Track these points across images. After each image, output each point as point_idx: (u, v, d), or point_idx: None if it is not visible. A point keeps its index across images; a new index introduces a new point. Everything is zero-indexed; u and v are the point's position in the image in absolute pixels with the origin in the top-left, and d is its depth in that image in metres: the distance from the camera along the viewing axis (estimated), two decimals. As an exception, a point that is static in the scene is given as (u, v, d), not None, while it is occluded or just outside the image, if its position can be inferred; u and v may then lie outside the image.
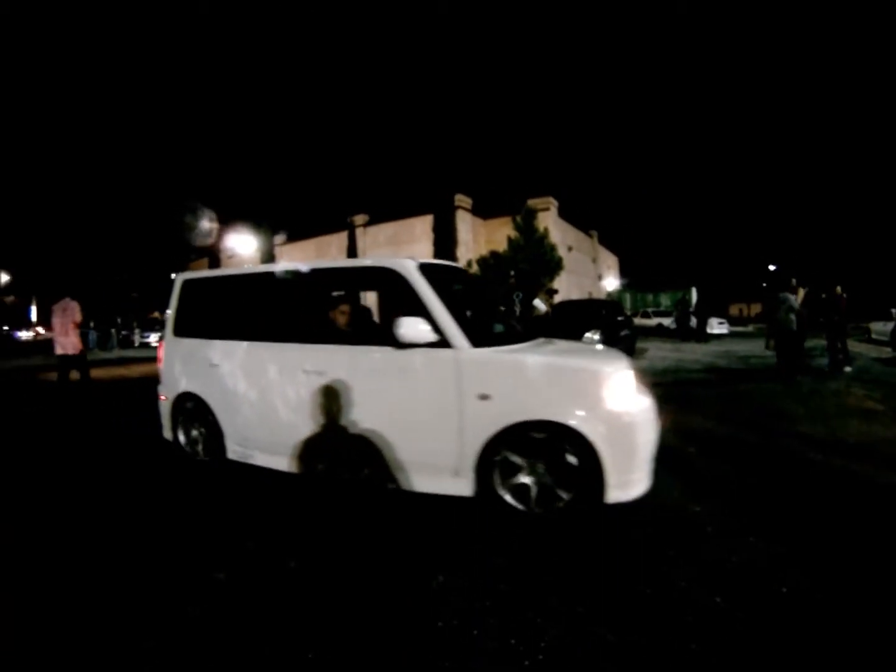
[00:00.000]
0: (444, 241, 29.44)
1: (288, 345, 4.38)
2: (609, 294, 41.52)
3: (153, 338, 32.00)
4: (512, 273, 9.22)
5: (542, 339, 4.45)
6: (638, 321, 27.71)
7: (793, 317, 9.65)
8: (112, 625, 2.44)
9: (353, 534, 3.41)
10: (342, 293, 4.74)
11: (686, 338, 20.45)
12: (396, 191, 31.76)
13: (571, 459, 3.30)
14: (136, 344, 30.47)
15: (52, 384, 10.31)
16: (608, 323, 12.60)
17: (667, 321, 26.72)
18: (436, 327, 3.62)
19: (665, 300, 38.87)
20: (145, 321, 39.68)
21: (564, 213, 36.09)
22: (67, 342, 8.74)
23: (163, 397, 5.40)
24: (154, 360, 20.37)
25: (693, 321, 21.42)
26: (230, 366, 4.73)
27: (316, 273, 4.51)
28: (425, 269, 3.94)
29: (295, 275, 4.57)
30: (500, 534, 3.31)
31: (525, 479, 3.45)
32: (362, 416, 3.91)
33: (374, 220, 33.96)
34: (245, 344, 4.69)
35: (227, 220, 37.44)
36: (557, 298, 23.81)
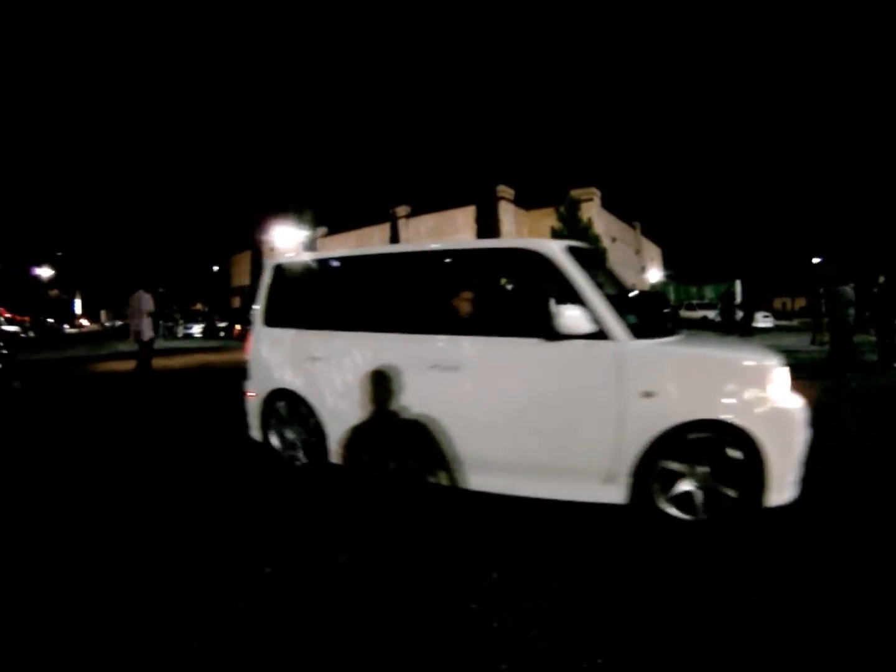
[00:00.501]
0: (487, 233, 29.09)
1: (409, 336, 3.90)
2: (653, 286, 40.92)
3: (196, 329, 32.70)
4: None
5: (684, 331, 4.05)
6: (682, 314, 27.30)
7: (851, 311, 9.25)
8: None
9: (490, 551, 3.00)
10: (476, 278, 4.20)
11: (731, 331, 19.92)
12: (438, 182, 31.55)
13: (734, 459, 3.04)
14: (180, 335, 31.19)
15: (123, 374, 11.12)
16: (653, 315, 12.30)
17: (711, 314, 26.23)
18: (592, 317, 3.23)
19: (709, 292, 38.16)
20: (188, 313, 40.46)
21: (607, 204, 35.60)
22: (142, 329, 9.79)
23: (251, 394, 4.90)
24: (198, 350, 21.12)
25: (738, 314, 20.95)
26: (337, 360, 4.24)
27: (441, 255, 4.14)
28: (573, 251, 3.55)
29: (415, 257, 4.22)
30: (664, 544, 3.00)
31: (685, 484, 3.16)
32: (502, 416, 3.54)
33: (416, 212, 33.88)
34: (354, 335, 4.22)
35: (270, 212, 37.72)
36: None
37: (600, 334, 3.25)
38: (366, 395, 4.05)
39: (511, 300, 4.24)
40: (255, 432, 4.90)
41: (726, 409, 3.06)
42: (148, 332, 9.90)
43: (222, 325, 34.52)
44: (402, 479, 4.01)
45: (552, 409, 3.41)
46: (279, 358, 4.75)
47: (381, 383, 3.96)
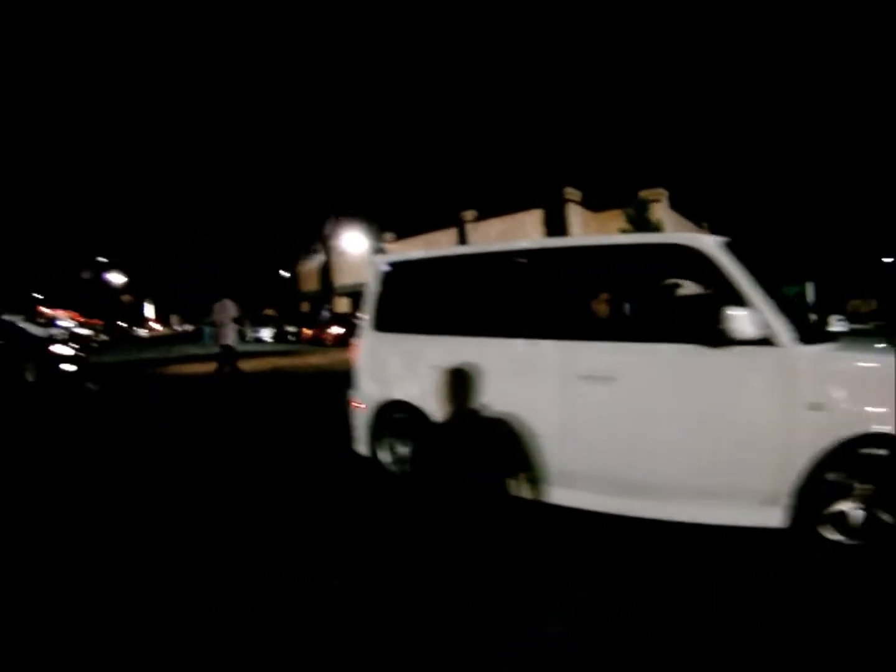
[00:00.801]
0: (555, 236, 29.13)
1: (551, 342, 3.54)
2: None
3: (265, 333, 33.76)
4: None
5: (843, 336, 3.76)
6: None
7: None
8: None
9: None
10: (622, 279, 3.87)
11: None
12: (505, 185, 31.58)
13: None
14: (249, 339, 32.33)
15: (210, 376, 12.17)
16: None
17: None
18: (758, 320, 2.97)
19: (780, 295, 36.98)
20: (257, 317, 41.77)
21: (675, 204, 34.93)
22: (227, 333, 10.73)
23: (360, 405, 4.57)
24: (269, 354, 21.78)
25: (812, 318, 20.21)
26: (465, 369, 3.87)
27: (584, 251, 3.80)
28: (732, 248, 3.28)
29: (553, 254, 3.85)
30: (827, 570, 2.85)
31: (844, 505, 2.88)
32: (660, 433, 3.23)
33: (483, 216, 33.97)
34: (484, 341, 3.86)
35: (338, 217, 38.58)
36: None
37: (766, 340, 3.00)
38: (499, 409, 3.74)
39: (666, 301, 3.83)
40: (362, 446, 4.61)
41: None
42: (231, 337, 10.81)
43: (291, 329, 35.57)
44: (537, 504, 3.69)
45: (713, 424, 3.14)
46: (394, 366, 4.45)
47: (518, 395, 3.68)
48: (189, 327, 64.51)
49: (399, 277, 4.61)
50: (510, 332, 3.82)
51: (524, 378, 3.71)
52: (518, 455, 3.68)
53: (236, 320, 11.00)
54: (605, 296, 3.80)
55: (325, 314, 36.31)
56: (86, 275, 55.39)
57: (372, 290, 4.68)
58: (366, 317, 4.68)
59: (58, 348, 12.97)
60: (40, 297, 47.87)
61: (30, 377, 12.03)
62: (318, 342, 29.73)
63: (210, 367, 13.22)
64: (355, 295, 42.81)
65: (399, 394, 4.32)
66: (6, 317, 18.50)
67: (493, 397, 3.77)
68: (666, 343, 3.28)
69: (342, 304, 43.45)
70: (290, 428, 7.31)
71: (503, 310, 4.00)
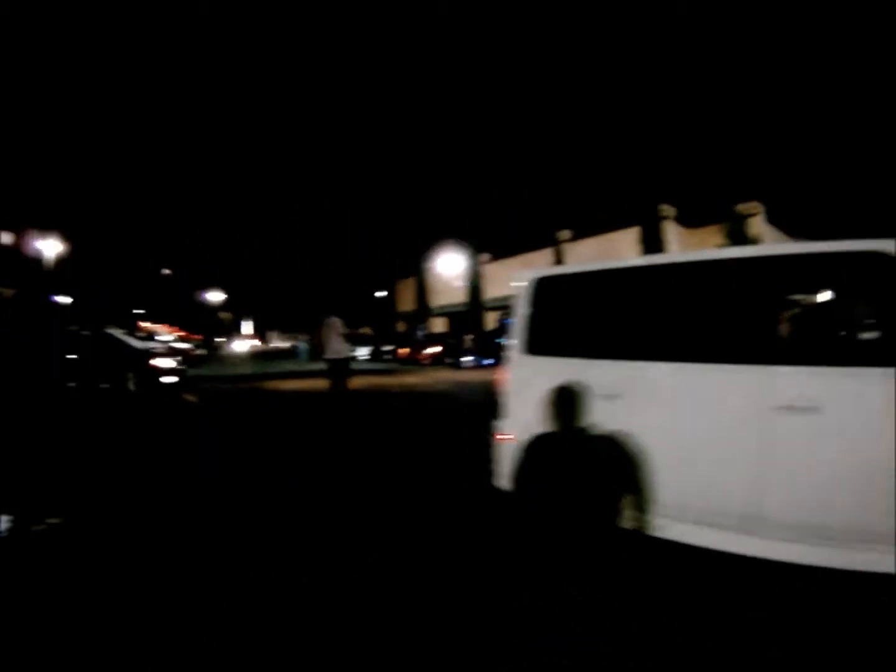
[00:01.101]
0: (652, 254, 29.28)
1: (739, 367, 3.20)
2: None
3: (361, 352, 35.06)
4: None
5: None
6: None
7: None
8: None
9: None
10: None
11: None
12: (600, 204, 31.85)
13: None
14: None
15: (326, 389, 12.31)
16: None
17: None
18: None
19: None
20: (354, 336, 43.54)
21: (772, 218, 34.35)
22: (337, 349, 11.26)
23: (508, 436, 4.14)
24: (367, 373, 22.17)
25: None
26: (633, 398, 3.52)
27: (772, 262, 3.35)
28: None
29: (738, 265, 3.42)
30: None
31: None
32: (863, 471, 2.83)
33: (578, 236, 34.34)
34: (663, 366, 3.48)
35: (435, 239, 39.92)
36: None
37: None
38: (674, 442, 3.39)
39: (865, 319, 3.24)
40: (506, 481, 4.16)
41: None
42: (339, 352, 11.34)
43: (387, 348, 36.89)
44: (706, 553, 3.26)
45: None
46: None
47: (695, 427, 3.34)
48: (287, 344, 66.93)
49: (553, 294, 4.21)
50: (691, 355, 3.43)
51: (720, 406, 3.28)
52: (706, 497, 3.30)
53: (346, 337, 11.59)
54: (804, 312, 3.44)
55: (420, 334, 37.56)
56: (198, 295, 58.66)
57: (522, 308, 4.25)
58: (514, 339, 4.24)
59: (159, 361, 13.87)
60: (141, 311, 50.84)
61: (131, 386, 12.95)
62: (414, 362, 30.42)
63: (305, 383, 14.51)
64: (451, 315, 44.05)
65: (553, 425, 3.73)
66: (109, 330, 20.04)
67: (682, 430, 3.40)
68: (876, 367, 2.86)
69: (438, 325, 44.71)
70: (409, 452, 7.08)
71: (682, 329, 3.58)
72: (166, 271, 54.43)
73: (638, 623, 2.78)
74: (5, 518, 4.55)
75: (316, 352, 35.55)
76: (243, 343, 55.38)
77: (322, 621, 2.88)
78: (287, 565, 3.59)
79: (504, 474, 4.17)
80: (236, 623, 2.86)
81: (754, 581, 3.14)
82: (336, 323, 11.39)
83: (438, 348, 29.37)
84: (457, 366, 26.21)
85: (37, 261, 32.62)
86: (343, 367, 11.53)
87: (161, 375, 13.65)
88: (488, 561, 3.62)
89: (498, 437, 4.27)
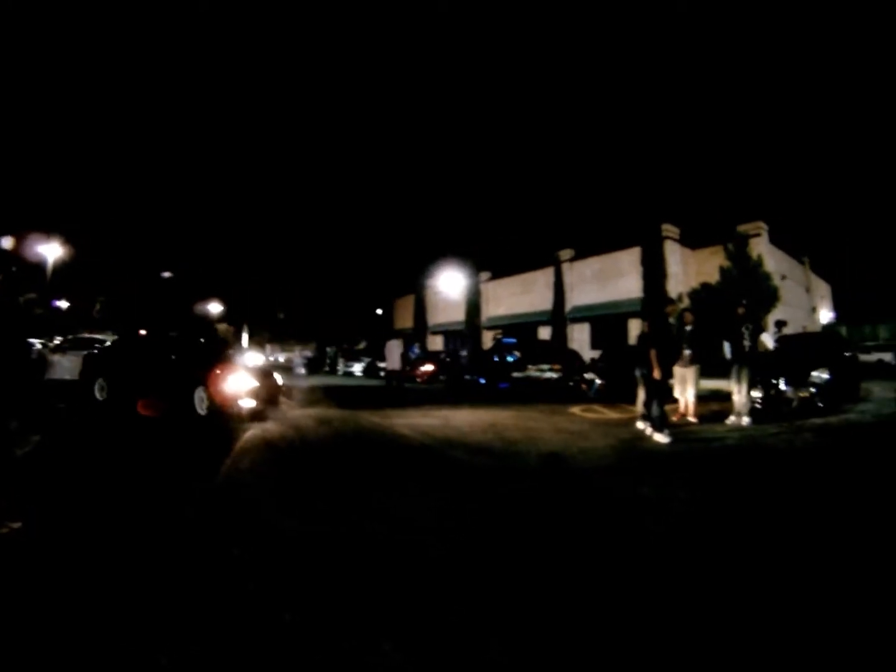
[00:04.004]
0: (653, 275, 29.08)
1: None
2: (824, 327, 38.49)
3: (356, 367, 34.78)
4: (743, 302, 9.21)
5: None
6: (855, 357, 25.67)
7: None
8: None
9: None
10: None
11: None
12: (602, 223, 31.83)
13: None
14: (340, 373, 33.79)
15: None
16: (837, 359, 11.79)
17: (888, 356, 24.52)
18: None
19: (883, 332, 35.48)
20: (349, 352, 43.36)
21: (775, 239, 34.25)
22: (393, 361, 15.54)
23: None
24: (356, 389, 21.98)
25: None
26: None
27: None
28: None
29: None
30: None
31: None
32: None
33: (579, 255, 34.23)
34: None
35: (435, 257, 39.84)
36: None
37: None
38: None
39: None
40: None
41: None
42: (399, 363, 15.57)
43: (382, 365, 36.59)
44: None
45: None
46: None
47: None
48: (283, 357, 66.99)
49: None
50: None
51: None
52: None
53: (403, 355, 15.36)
54: None
55: (416, 351, 37.26)
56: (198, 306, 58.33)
57: None
58: None
59: (237, 377, 11.55)
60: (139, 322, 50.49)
61: (200, 409, 10.62)
62: (409, 379, 29.83)
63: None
64: (449, 333, 43.75)
65: None
66: (99, 335, 19.76)
67: None
68: None
69: (436, 343, 44.43)
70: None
71: None
72: (167, 274, 53.78)
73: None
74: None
75: (315, 366, 35.39)
76: (254, 356, 54.72)
77: None
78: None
79: None
80: None
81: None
82: (395, 343, 15.54)
83: (431, 366, 28.85)
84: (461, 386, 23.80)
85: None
86: (396, 375, 15.77)
87: (238, 397, 10.33)
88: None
89: None
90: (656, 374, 8.23)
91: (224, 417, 10.03)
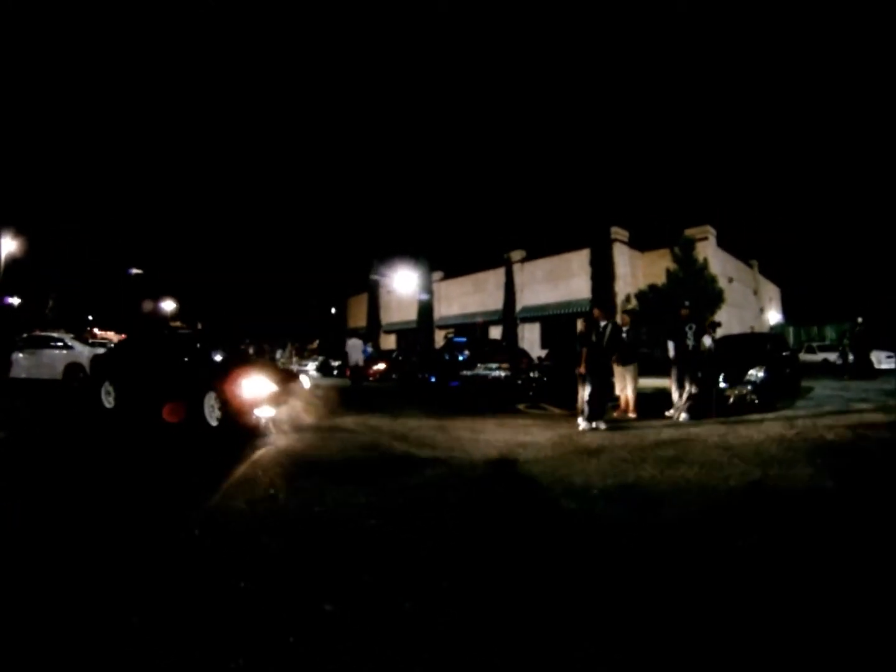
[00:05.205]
0: (602, 276, 29.37)
1: None
2: (772, 328, 39.54)
3: (310, 366, 34.52)
4: (686, 304, 9.47)
5: None
6: (801, 357, 26.45)
7: None
8: None
9: None
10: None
11: (853, 375, 18.23)
12: (552, 226, 32.14)
13: None
14: (294, 370, 33.47)
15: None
16: (774, 359, 12.24)
17: (833, 356, 25.39)
18: None
19: (830, 333, 36.65)
20: (302, 351, 43.15)
21: (723, 242, 34.99)
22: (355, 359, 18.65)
23: None
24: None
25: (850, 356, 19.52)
26: None
27: None
28: None
29: None
30: None
31: None
32: None
33: (530, 256, 34.45)
34: None
35: (387, 256, 39.61)
36: (719, 332, 22.90)
37: None
38: None
39: None
40: None
41: None
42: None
43: (335, 363, 36.42)
44: None
45: None
46: None
47: None
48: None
49: None
50: None
51: None
52: None
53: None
54: None
55: (368, 351, 37.02)
56: (147, 305, 56.76)
57: None
58: None
59: (253, 381, 10.29)
60: (91, 318, 48.70)
61: (212, 420, 8.98)
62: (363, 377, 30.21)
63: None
64: (402, 332, 43.55)
65: None
66: (54, 333, 19.31)
67: None
68: None
69: (389, 342, 44.18)
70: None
71: None
72: (135, 271, 51.51)
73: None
74: None
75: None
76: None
77: None
78: None
79: None
80: None
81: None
82: (357, 343, 17.38)
83: (383, 365, 29.23)
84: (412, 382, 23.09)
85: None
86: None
87: (256, 405, 8.81)
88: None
89: None
90: (581, 369, 9.22)
91: (237, 429, 8.62)
